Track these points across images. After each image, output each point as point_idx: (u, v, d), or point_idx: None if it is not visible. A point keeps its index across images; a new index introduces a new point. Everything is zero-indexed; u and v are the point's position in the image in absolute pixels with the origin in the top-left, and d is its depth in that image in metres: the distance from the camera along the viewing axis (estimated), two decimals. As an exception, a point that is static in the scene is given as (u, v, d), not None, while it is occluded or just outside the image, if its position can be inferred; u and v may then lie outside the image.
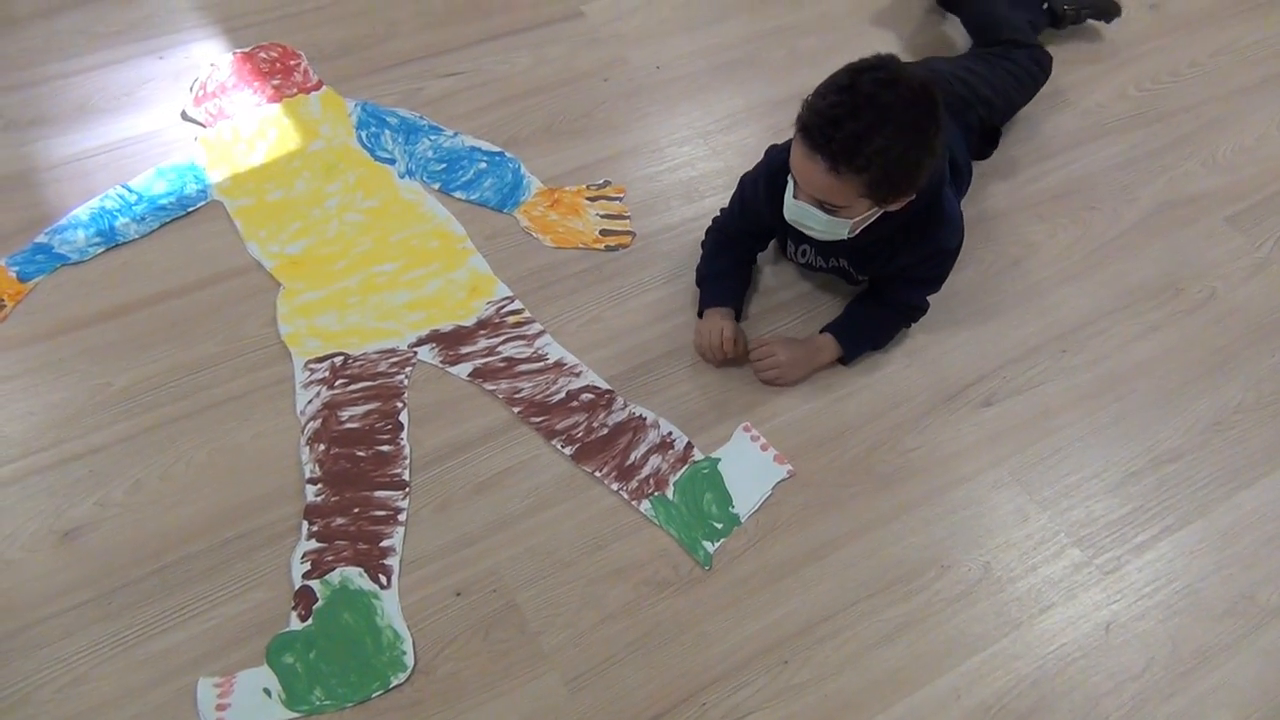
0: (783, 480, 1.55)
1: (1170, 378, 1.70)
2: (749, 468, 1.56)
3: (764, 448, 1.58)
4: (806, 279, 1.80)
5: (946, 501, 1.54)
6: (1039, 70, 2.02)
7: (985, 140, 1.91)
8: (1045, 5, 2.18)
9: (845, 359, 1.68)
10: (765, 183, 1.62)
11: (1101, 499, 1.56)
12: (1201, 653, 1.42)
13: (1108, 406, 1.67)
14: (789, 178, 1.50)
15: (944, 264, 1.65)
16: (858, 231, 1.51)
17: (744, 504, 1.52)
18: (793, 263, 1.78)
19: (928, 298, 1.70)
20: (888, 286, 1.69)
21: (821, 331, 1.68)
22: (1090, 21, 2.23)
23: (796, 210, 1.51)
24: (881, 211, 1.49)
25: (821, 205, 1.46)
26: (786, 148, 1.51)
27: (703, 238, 1.78)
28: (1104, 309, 1.79)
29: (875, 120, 1.35)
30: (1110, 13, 2.23)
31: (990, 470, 1.58)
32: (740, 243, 1.76)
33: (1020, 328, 1.75)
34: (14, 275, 1.75)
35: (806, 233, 1.55)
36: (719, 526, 1.50)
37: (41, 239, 1.81)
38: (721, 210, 1.77)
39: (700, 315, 1.71)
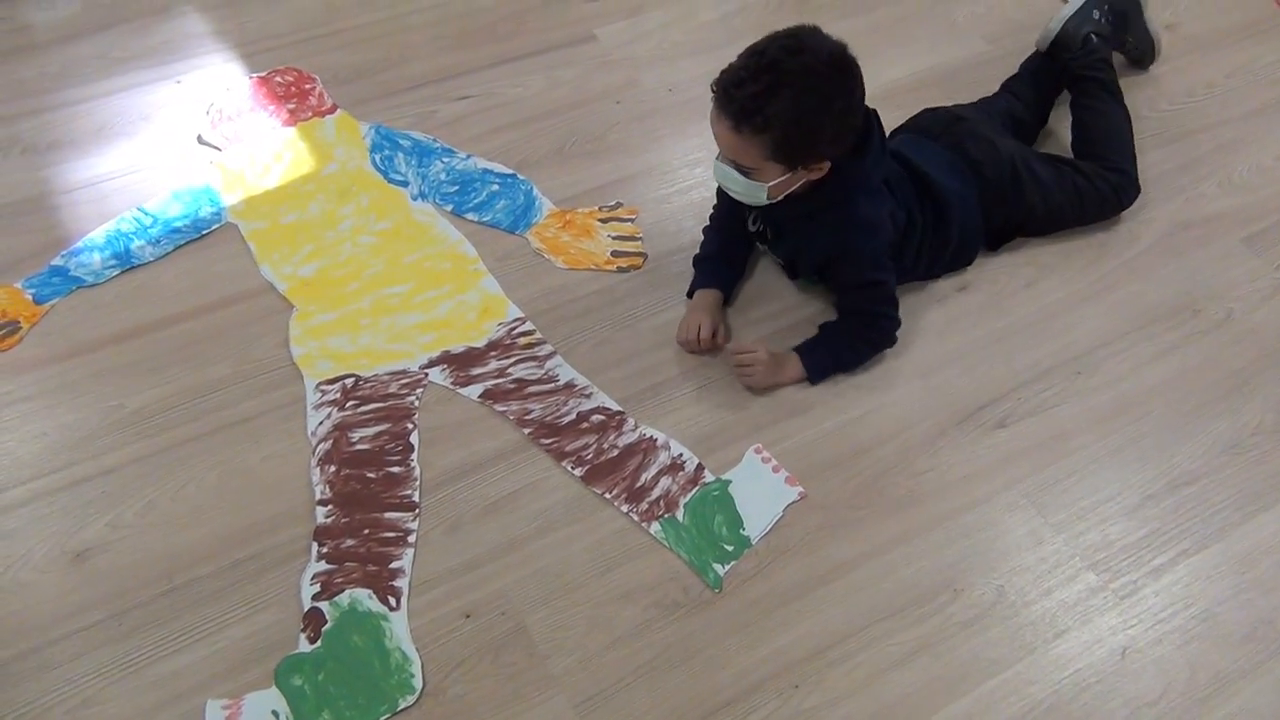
0: (794, 502, 1.54)
1: (1187, 400, 1.69)
2: (760, 490, 1.55)
3: (775, 469, 1.57)
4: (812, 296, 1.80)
5: (959, 524, 1.53)
6: (1114, 201, 1.90)
7: (1000, 236, 1.88)
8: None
9: (810, 376, 1.68)
10: None
11: (1117, 522, 1.54)
12: (1219, 679, 1.40)
13: (1123, 429, 1.65)
14: None
15: (861, 264, 1.64)
16: (779, 197, 1.57)
17: (755, 526, 1.51)
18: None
19: (884, 308, 1.69)
20: (838, 298, 1.72)
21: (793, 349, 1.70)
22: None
23: (718, 170, 1.58)
24: (804, 180, 1.55)
25: (736, 167, 1.53)
26: None
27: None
28: (1119, 330, 1.77)
29: (774, 83, 1.43)
30: (1145, 61, 2.23)
31: (1004, 493, 1.57)
32: (731, 218, 1.79)
33: (1034, 349, 1.74)
34: (30, 298, 1.77)
35: (733, 194, 1.62)
36: (729, 549, 1.49)
37: (58, 262, 1.82)
38: None
39: (689, 295, 1.76)
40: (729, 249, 1.80)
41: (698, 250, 1.81)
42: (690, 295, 1.77)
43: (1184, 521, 1.55)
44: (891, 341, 1.71)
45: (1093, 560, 1.50)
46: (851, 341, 1.70)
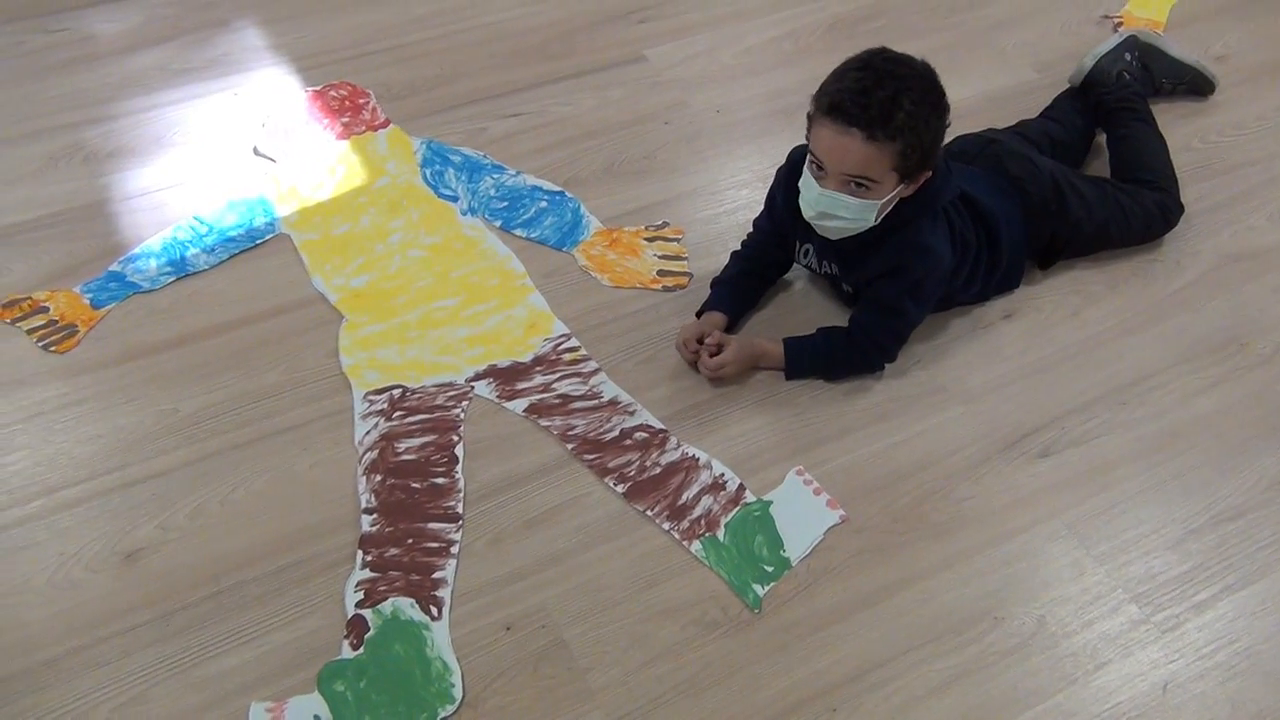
0: (835, 525, 1.54)
1: (1232, 434, 1.68)
2: (801, 511, 1.56)
3: (817, 492, 1.58)
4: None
5: (1001, 553, 1.53)
6: (1161, 222, 1.92)
7: (1049, 252, 1.88)
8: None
9: (787, 372, 1.71)
10: (785, 174, 1.71)
11: (1160, 555, 1.53)
12: (1261, 716, 1.38)
13: (1168, 461, 1.64)
14: (808, 171, 1.56)
15: (903, 285, 1.65)
16: (880, 219, 1.57)
17: (795, 548, 1.52)
18: (800, 265, 1.82)
19: (890, 343, 1.70)
20: (858, 309, 1.73)
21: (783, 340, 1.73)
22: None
23: (823, 202, 1.55)
24: (899, 197, 1.56)
25: (855, 184, 1.52)
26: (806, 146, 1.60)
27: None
28: (1165, 362, 1.77)
29: (899, 89, 1.46)
30: (1204, 89, 2.23)
31: (1046, 522, 1.56)
32: (762, 250, 1.80)
33: (1079, 379, 1.74)
34: (88, 302, 1.81)
35: (831, 226, 1.59)
36: (769, 570, 1.49)
37: (115, 267, 1.87)
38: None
39: (698, 315, 1.78)
40: (746, 279, 1.81)
41: (719, 272, 1.83)
42: (699, 315, 1.78)
43: (1228, 557, 1.53)
44: (876, 370, 1.73)
45: (1135, 593, 1.49)
46: (843, 357, 1.72)
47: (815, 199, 1.56)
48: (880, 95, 1.45)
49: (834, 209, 1.55)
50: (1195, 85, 2.21)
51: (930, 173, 1.56)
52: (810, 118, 1.55)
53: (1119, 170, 1.99)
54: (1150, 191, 1.90)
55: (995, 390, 1.72)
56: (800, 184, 1.59)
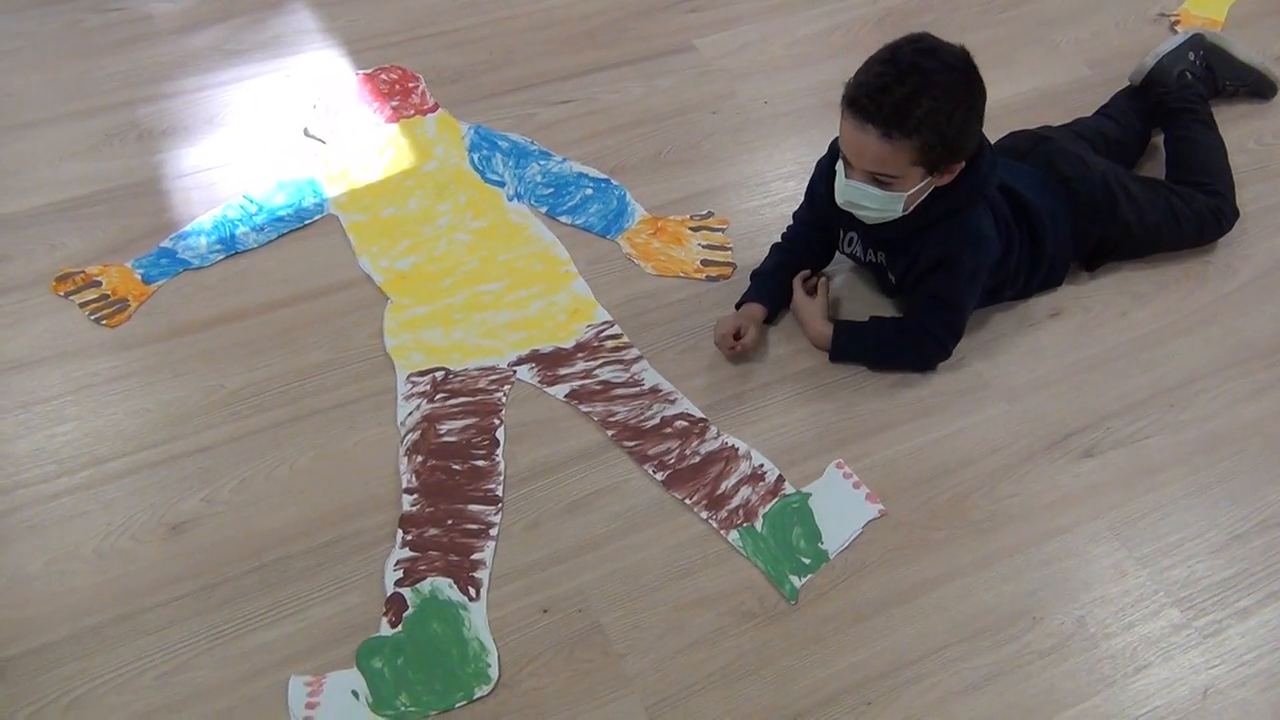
0: (874, 520, 1.54)
1: (1282, 440, 1.65)
2: (840, 505, 1.55)
3: (856, 485, 1.57)
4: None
5: (1041, 552, 1.51)
6: (1214, 227, 1.88)
7: (1097, 254, 1.85)
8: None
9: (831, 354, 1.71)
10: (826, 164, 1.70)
11: (1204, 560, 1.51)
12: (1305, 726, 1.37)
13: (1215, 465, 1.62)
14: (839, 161, 1.56)
15: (958, 276, 1.63)
16: (911, 208, 1.56)
17: (833, 541, 1.51)
18: (843, 254, 1.81)
19: (944, 336, 1.68)
20: (911, 303, 1.71)
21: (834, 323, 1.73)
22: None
23: (850, 191, 1.56)
24: (932, 187, 1.55)
25: (876, 179, 1.51)
26: None
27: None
28: (1214, 365, 1.74)
29: (920, 85, 1.44)
30: (1266, 92, 2.19)
31: (1089, 523, 1.55)
32: (802, 241, 1.80)
33: (1126, 380, 1.72)
34: (139, 277, 1.84)
35: (860, 215, 1.60)
36: (807, 562, 1.49)
37: (166, 244, 1.89)
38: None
39: (737, 306, 1.77)
40: (788, 269, 1.79)
41: (759, 264, 1.82)
42: (738, 307, 1.77)
43: (1273, 563, 1.51)
44: (927, 368, 1.71)
45: (1177, 597, 1.47)
46: (894, 350, 1.71)
47: (843, 188, 1.57)
48: (898, 93, 1.44)
49: (860, 199, 1.56)
50: (1257, 87, 2.17)
51: (963, 163, 1.54)
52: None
53: (1175, 172, 1.96)
54: (1205, 195, 1.87)
55: (1040, 388, 1.70)
56: (837, 172, 1.59)
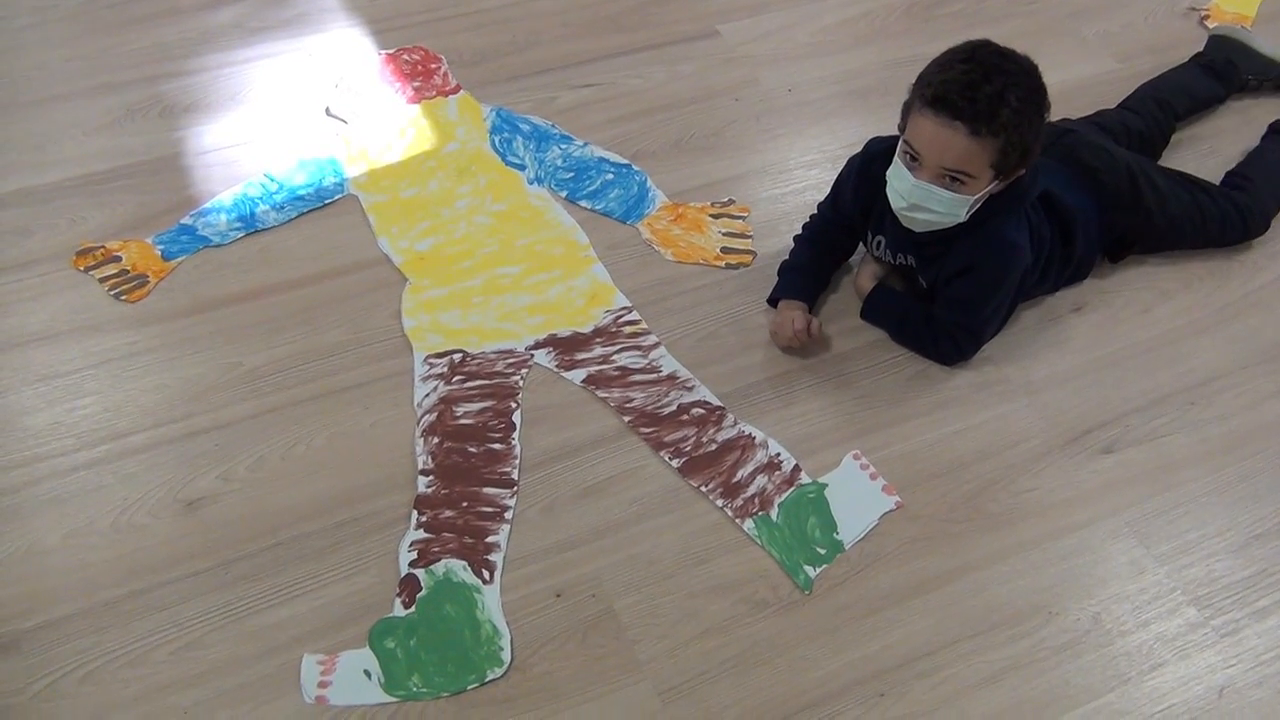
0: (890, 511, 1.53)
1: (1304, 440, 1.64)
2: (856, 496, 1.55)
3: (873, 477, 1.57)
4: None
5: (1058, 547, 1.50)
6: (1239, 227, 1.86)
7: (1120, 244, 1.84)
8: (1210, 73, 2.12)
9: (863, 312, 1.74)
10: (859, 166, 1.69)
11: (1223, 559, 1.50)
12: (1321, 728, 1.36)
13: (1235, 464, 1.60)
14: (900, 161, 1.54)
15: (983, 283, 1.62)
16: (967, 215, 1.54)
17: (849, 531, 1.51)
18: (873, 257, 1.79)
19: (966, 339, 1.68)
20: (936, 304, 1.69)
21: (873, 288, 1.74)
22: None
23: (917, 193, 1.52)
24: (989, 194, 1.53)
25: (951, 178, 1.49)
26: (890, 139, 1.58)
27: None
28: (1237, 364, 1.73)
29: (1006, 84, 1.45)
30: None
31: (1106, 519, 1.54)
32: (828, 234, 1.79)
33: (1147, 376, 1.70)
34: (159, 253, 1.84)
35: (919, 219, 1.57)
36: (822, 552, 1.49)
37: (186, 220, 1.89)
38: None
39: (771, 304, 1.76)
40: (820, 263, 1.79)
41: (786, 258, 1.80)
42: (772, 302, 1.76)
43: (1293, 565, 1.50)
44: (945, 362, 1.70)
45: (1195, 595, 1.46)
46: (916, 335, 1.71)
47: (909, 189, 1.53)
48: (987, 90, 1.43)
49: (927, 201, 1.52)
50: None
51: (1023, 170, 1.54)
52: (908, 106, 1.52)
53: (1242, 164, 1.96)
54: (1237, 194, 1.86)
55: (1061, 383, 1.69)
56: (889, 173, 1.56)
